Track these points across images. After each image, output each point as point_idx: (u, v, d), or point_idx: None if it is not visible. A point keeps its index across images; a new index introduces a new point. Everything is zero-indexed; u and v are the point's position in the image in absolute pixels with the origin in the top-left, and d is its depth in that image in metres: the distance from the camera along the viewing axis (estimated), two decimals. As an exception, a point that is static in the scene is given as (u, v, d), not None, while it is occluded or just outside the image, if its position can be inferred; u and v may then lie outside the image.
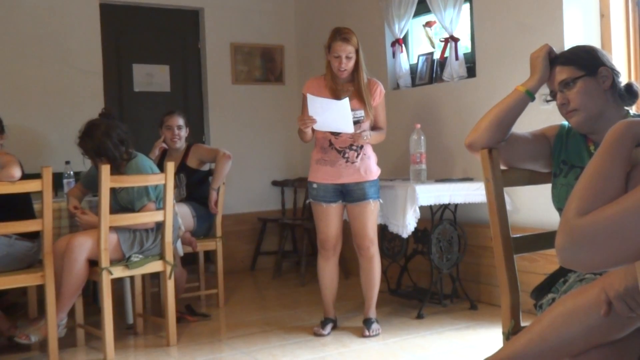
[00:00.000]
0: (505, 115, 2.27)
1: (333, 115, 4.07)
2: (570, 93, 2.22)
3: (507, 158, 2.32)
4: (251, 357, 3.91)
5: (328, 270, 4.37)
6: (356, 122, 4.17)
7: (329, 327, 4.33)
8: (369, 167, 4.26)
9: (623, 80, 2.26)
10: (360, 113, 4.19)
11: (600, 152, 1.45)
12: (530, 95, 2.29)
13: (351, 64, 4.15)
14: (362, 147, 4.24)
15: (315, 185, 4.28)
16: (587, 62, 2.21)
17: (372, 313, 4.36)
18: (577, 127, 2.25)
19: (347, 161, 4.22)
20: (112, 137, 4.06)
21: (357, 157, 4.23)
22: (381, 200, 4.34)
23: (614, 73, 2.21)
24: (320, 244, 4.36)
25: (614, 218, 1.27)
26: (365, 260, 4.32)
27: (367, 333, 4.22)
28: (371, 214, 4.27)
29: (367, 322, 4.30)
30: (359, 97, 4.19)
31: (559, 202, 2.27)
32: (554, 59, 2.28)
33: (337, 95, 4.17)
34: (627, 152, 1.45)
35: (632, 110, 2.30)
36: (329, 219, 4.28)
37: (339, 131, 4.17)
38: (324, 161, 4.27)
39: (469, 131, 2.35)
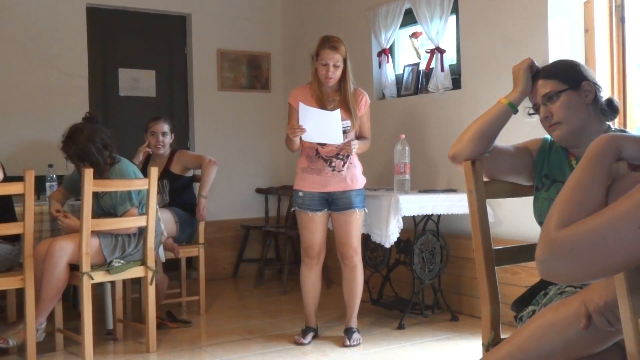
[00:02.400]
0: (489, 128, 2.29)
1: (323, 125, 4.08)
2: (554, 106, 2.23)
3: (490, 170, 2.33)
4: (231, 364, 3.90)
5: (311, 279, 4.36)
6: (343, 132, 4.18)
7: (309, 336, 4.32)
8: (355, 176, 4.27)
9: (605, 95, 2.28)
10: (347, 123, 4.20)
11: (582, 166, 1.46)
12: (512, 108, 2.30)
13: (338, 72, 4.16)
14: (348, 156, 4.24)
15: (301, 194, 4.28)
16: (571, 76, 2.23)
17: (354, 323, 4.35)
18: (560, 141, 2.26)
19: (333, 170, 4.23)
20: (95, 142, 4.05)
21: (343, 165, 4.24)
22: (366, 210, 4.34)
23: (596, 88, 2.23)
24: (304, 253, 4.35)
25: (594, 231, 1.28)
26: (349, 270, 4.32)
27: (347, 343, 4.22)
28: (356, 223, 4.27)
29: (348, 332, 4.30)
30: (345, 106, 4.20)
31: (540, 215, 2.28)
32: (537, 73, 2.30)
33: (323, 104, 4.18)
34: (608, 166, 1.46)
35: (613, 125, 2.31)
36: (314, 227, 4.27)
37: (328, 142, 4.17)
38: (310, 170, 4.27)
39: (453, 143, 2.36)
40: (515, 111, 2.32)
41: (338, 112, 4.08)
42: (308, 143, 4.25)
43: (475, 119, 2.34)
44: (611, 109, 2.26)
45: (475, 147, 2.27)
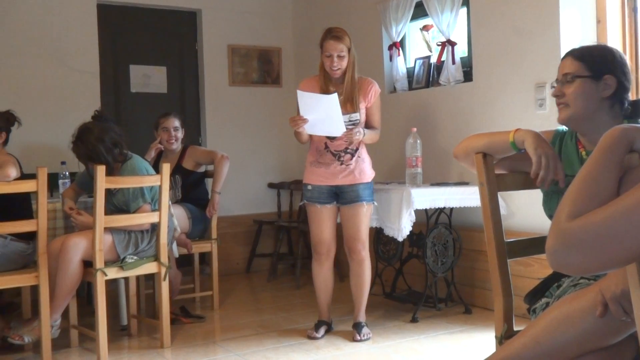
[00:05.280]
0: (489, 152, 2.26)
1: (323, 111, 4.05)
2: (568, 88, 2.21)
3: (501, 168, 2.34)
4: (245, 359, 3.91)
5: (322, 274, 4.35)
6: (353, 125, 4.16)
7: (322, 330, 4.32)
8: (363, 169, 4.25)
9: (631, 92, 2.24)
10: (356, 116, 4.18)
11: (594, 157, 1.45)
12: (514, 147, 2.23)
13: (344, 63, 4.14)
14: (357, 150, 4.23)
15: (309, 187, 4.28)
16: (597, 65, 2.18)
17: (362, 317, 4.34)
18: (563, 122, 2.24)
19: (341, 164, 4.22)
20: (104, 142, 4.04)
21: (351, 159, 4.22)
22: (376, 203, 4.33)
23: (619, 84, 2.17)
24: (314, 248, 4.35)
25: (605, 222, 1.27)
26: (356, 264, 4.30)
27: (357, 337, 4.21)
28: (364, 217, 4.25)
29: (358, 326, 4.28)
30: (351, 98, 4.17)
31: (550, 209, 2.27)
32: (571, 50, 2.27)
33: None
34: (620, 158, 1.45)
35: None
36: (322, 220, 4.27)
37: (331, 134, 4.15)
38: (318, 163, 4.26)
39: (462, 140, 2.37)
40: (518, 151, 2.25)
41: (335, 95, 4.03)
42: (317, 136, 4.24)
43: (485, 135, 2.31)
44: (635, 109, 2.22)
45: (472, 163, 2.29)
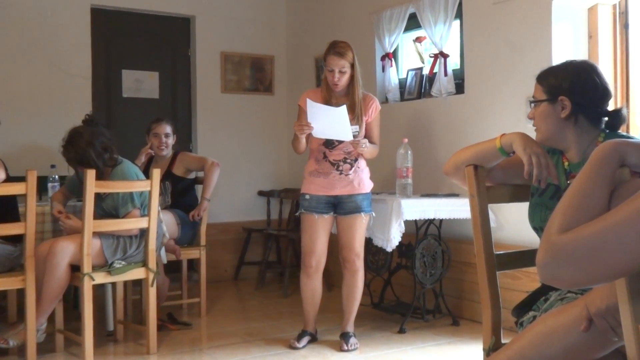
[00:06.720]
0: (478, 162, 2.27)
1: (331, 122, 4.05)
2: (534, 112, 2.27)
3: (490, 182, 2.35)
4: (231, 367, 3.90)
5: (310, 286, 4.32)
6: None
7: (305, 340, 4.30)
8: (363, 180, 4.25)
9: (607, 103, 2.25)
10: (356, 128, 4.17)
11: (585, 171, 1.46)
12: (502, 153, 2.26)
13: (345, 78, 4.14)
14: (356, 160, 4.23)
15: (307, 197, 4.25)
16: (552, 88, 2.21)
17: (350, 327, 4.33)
18: (539, 143, 2.26)
19: (340, 173, 4.21)
20: (95, 146, 4.03)
21: (350, 169, 4.22)
22: (374, 214, 4.32)
23: (574, 104, 2.17)
24: (303, 260, 4.31)
25: (595, 235, 1.28)
26: (350, 274, 4.30)
27: (345, 347, 4.20)
28: (360, 227, 4.25)
29: (345, 336, 4.27)
30: (353, 112, 4.18)
31: (533, 221, 2.28)
32: (538, 74, 2.29)
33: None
34: (612, 172, 1.46)
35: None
36: (317, 231, 4.24)
37: (338, 139, 4.15)
38: (317, 173, 4.25)
39: (451, 156, 2.39)
40: (506, 155, 2.27)
41: (344, 107, 4.03)
42: (316, 145, 4.23)
43: (472, 146, 2.34)
44: (614, 120, 2.23)
45: (463, 178, 2.30)
